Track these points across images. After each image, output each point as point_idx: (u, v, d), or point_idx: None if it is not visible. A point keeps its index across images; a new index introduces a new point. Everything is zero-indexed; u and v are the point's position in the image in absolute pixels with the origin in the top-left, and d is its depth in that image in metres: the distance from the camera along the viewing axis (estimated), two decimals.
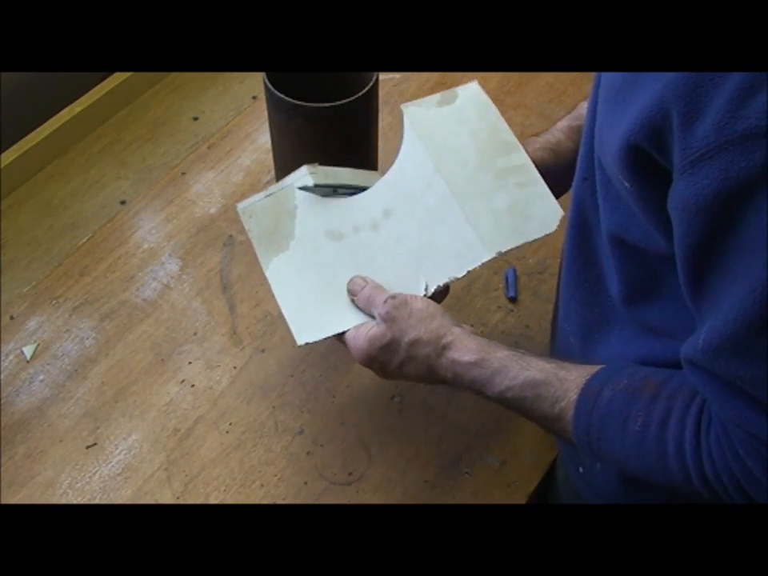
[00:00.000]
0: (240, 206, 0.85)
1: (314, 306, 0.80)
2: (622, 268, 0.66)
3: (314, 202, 0.83)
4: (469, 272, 0.78)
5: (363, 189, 0.84)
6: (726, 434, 0.56)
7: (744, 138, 0.47)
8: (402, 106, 0.84)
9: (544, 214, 0.79)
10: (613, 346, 0.71)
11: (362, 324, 0.76)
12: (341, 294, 0.80)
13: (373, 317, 0.76)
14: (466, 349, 0.71)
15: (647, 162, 0.54)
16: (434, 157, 0.82)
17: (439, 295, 0.80)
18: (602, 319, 0.72)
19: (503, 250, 0.77)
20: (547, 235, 0.79)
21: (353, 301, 0.78)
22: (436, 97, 0.85)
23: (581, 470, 0.81)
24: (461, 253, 0.78)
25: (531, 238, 0.79)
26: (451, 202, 0.80)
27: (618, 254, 0.66)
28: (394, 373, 0.75)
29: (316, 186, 0.82)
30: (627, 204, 0.61)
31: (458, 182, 0.81)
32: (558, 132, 0.85)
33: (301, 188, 0.82)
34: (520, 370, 0.69)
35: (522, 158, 0.81)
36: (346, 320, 0.78)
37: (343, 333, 0.77)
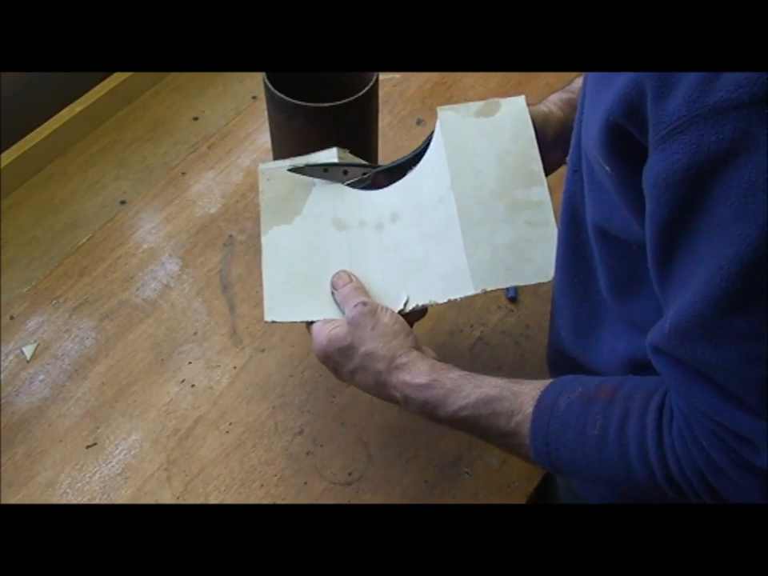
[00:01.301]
0: (262, 166, 0.85)
1: (294, 286, 0.79)
2: (606, 261, 0.66)
3: (330, 186, 0.83)
4: (450, 300, 0.76)
5: (374, 167, 0.84)
6: (688, 427, 0.56)
7: (715, 111, 0.46)
8: (439, 109, 0.82)
9: (543, 260, 0.75)
10: (604, 341, 0.71)
11: (330, 320, 0.76)
12: (324, 283, 0.79)
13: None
14: (418, 371, 0.70)
15: (626, 141, 0.53)
16: (454, 172, 0.79)
17: (416, 314, 0.79)
18: (592, 314, 0.71)
19: (488, 289, 0.75)
20: (539, 283, 0.76)
21: (332, 293, 0.78)
22: (478, 105, 0.82)
23: None
24: (448, 279, 0.77)
25: (522, 283, 0.76)
26: (455, 224, 0.77)
27: (602, 246, 0.66)
28: (346, 376, 0.75)
29: (343, 164, 0.82)
30: (610, 194, 0.60)
31: (468, 204, 0.78)
32: (550, 103, 0.83)
33: (326, 165, 0.82)
34: (473, 388, 0.68)
35: (543, 195, 0.78)
36: (320, 310, 0.78)
37: (312, 322, 0.77)
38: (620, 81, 0.52)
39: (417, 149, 0.85)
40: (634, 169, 0.54)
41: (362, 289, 0.77)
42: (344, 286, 0.77)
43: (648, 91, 0.49)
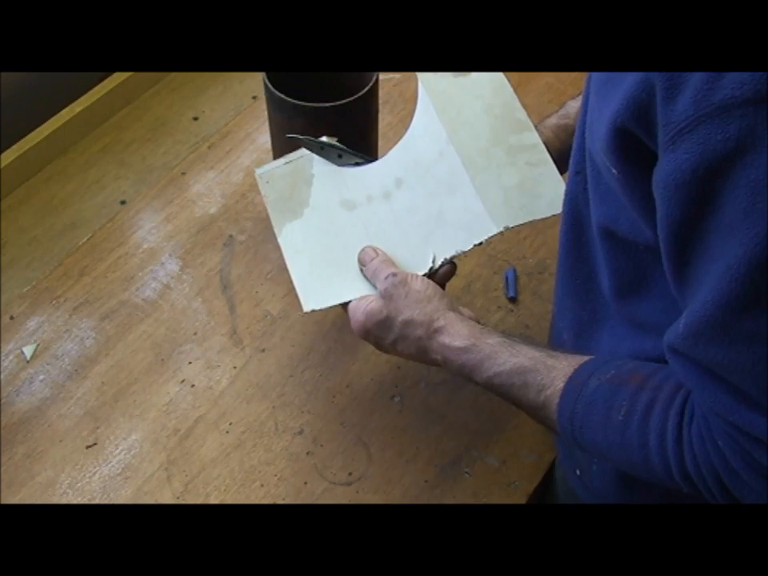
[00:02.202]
0: (258, 171, 0.86)
1: (323, 273, 0.81)
2: (611, 262, 0.66)
3: (330, 172, 0.85)
4: (475, 245, 0.78)
5: (366, 158, 0.86)
6: (707, 426, 0.56)
7: (720, 109, 0.46)
8: (418, 74, 0.84)
9: (552, 194, 0.79)
10: (605, 342, 0.71)
11: (364, 296, 0.78)
12: (351, 263, 0.81)
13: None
14: (457, 334, 0.72)
15: (634, 145, 0.53)
16: (448, 126, 0.81)
17: (445, 275, 0.80)
18: (594, 315, 0.72)
19: (510, 225, 0.78)
20: (554, 215, 0.78)
21: (362, 270, 0.80)
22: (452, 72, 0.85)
23: (578, 472, 0.81)
24: (469, 225, 0.79)
25: (539, 217, 0.79)
26: (462, 174, 0.80)
27: (607, 248, 0.66)
28: (389, 348, 0.77)
29: (335, 145, 0.84)
30: (616, 195, 0.60)
31: (470, 154, 0.81)
32: (547, 130, 0.85)
33: (318, 142, 0.84)
34: (509, 356, 0.69)
35: (534, 138, 0.81)
36: (354, 289, 0.79)
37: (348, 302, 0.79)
38: (628, 83, 0.51)
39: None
40: (642, 172, 0.54)
41: (389, 261, 0.79)
42: (371, 260, 0.79)
43: (657, 92, 0.49)
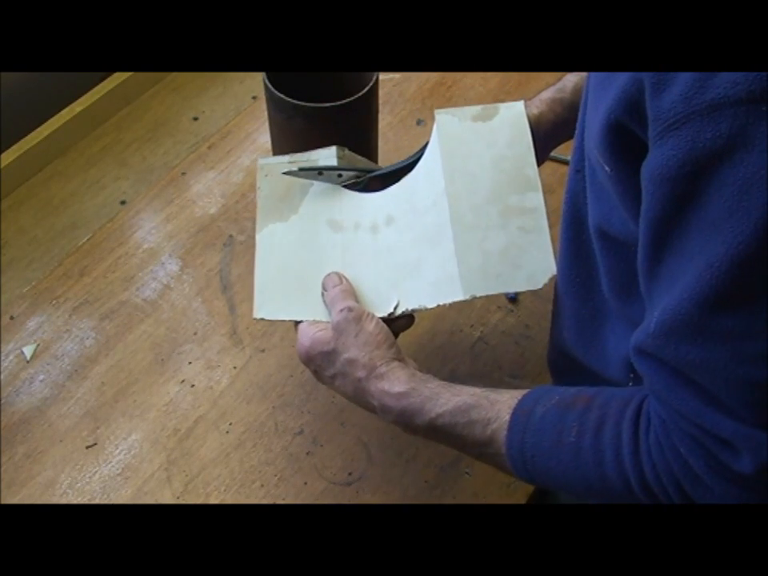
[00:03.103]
0: (261, 161, 0.85)
1: (286, 285, 0.80)
2: (606, 262, 0.66)
3: (328, 188, 0.83)
4: (439, 305, 0.75)
5: (369, 171, 0.84)
6: (665, 433, 0.56)
7: (711, 108, 0.46)
8: (436, 112, 0.82)
9: (535, 267, 0.75)
10: (608, 340, 0.71)
11: (316, 322, 0.76)
12: (315, 283, 0.79)
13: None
14: (396, 380, 0.70)
15: (627, 140, 0.53)
16: (448, 176, 0.78)
17: (401, 326, 0.78)
18: (595, 313, 0.71)
19: (478, 295, 0.74)
20: (529, 291, 0.75)
21: (323, 295, 0.78)
22: (476, 109, 0.82)
23: None
24: (439, 284, 0.76)
25: (512, 290, 0.76)
26: (447, 230, 0.76)
27: (602, 248, 0.65)
28: (327, 380, 0.75)
29: (338, 168, 0.82)
30: (609, 194, 0.60)
31: (461, 210, 0.77)
32: (542, 103, 0.83)
33: (320, 168, 0.82)
34: (450, 396, 0.68)
35: (537, 201, 0.77)
36: (309, 311, 0.78)
37: (300, 322, 0.77)
38: (621, 78, 0.52)
39: (411, 156, 0.85)
40: (634, 169, 0.54)
41: (350, 292, 0.77)
42: (334, 287, 0.77)
43: (646, 87, 0.49)
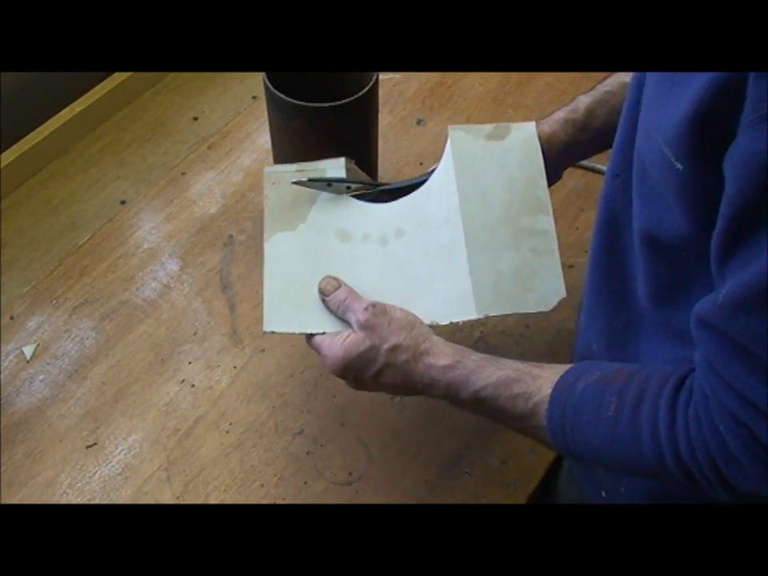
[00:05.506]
0: (268, 169, 0.84)
1: (295, 297, 0.79)
2: (651, 268, 0.65)
3: (337, 197, 0.83)
4: (451, 323, 0.76)
5: (378, 185, 0.84)
6: (707, 409, 0.56)
7: None
8: (450, 128, 0.82)
9: (546, 289, 0.76)
10: (642, 351, 0.70)
11: (338, 332, 0.75)
12: None
13: (345, 321, 0.76)
14: (442, 353, 0.72)
15: (713, 131, 0.52)
16: (462, 193, 0.79)
17: None
18: (628, 324, 0.71)
19: (490, 314, 0.75)
20: (540, 312, 0.76)
21: (323, 301, 0.77)
22: (488, 128, 0.83)
23: (603, 494, 0.80)
24: (451, 301, 0.77)
25: (523, 311, 0.77)
26: (461, 248, 0.77)
27: (647, 254, 0.65)
28: (369, 381, 0.75)
29: (348, 180, 0.82)
30: (662, 198, 0.59)
31: (475, 229, 0.78)
32: (554, 123, 0.83)
33: (330, 180, 0.82)
34: (495, 369, 0.69)
35: (548, 224, 0.78)
36: (321, 322, 0.77)
37: (312, 335, 0.77)
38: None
39: (422, 175, 0.85)
40: (712, 163, 0.53)
41: (355, 293, 0.77)
42: (335, 290, 0.77)
43: None
